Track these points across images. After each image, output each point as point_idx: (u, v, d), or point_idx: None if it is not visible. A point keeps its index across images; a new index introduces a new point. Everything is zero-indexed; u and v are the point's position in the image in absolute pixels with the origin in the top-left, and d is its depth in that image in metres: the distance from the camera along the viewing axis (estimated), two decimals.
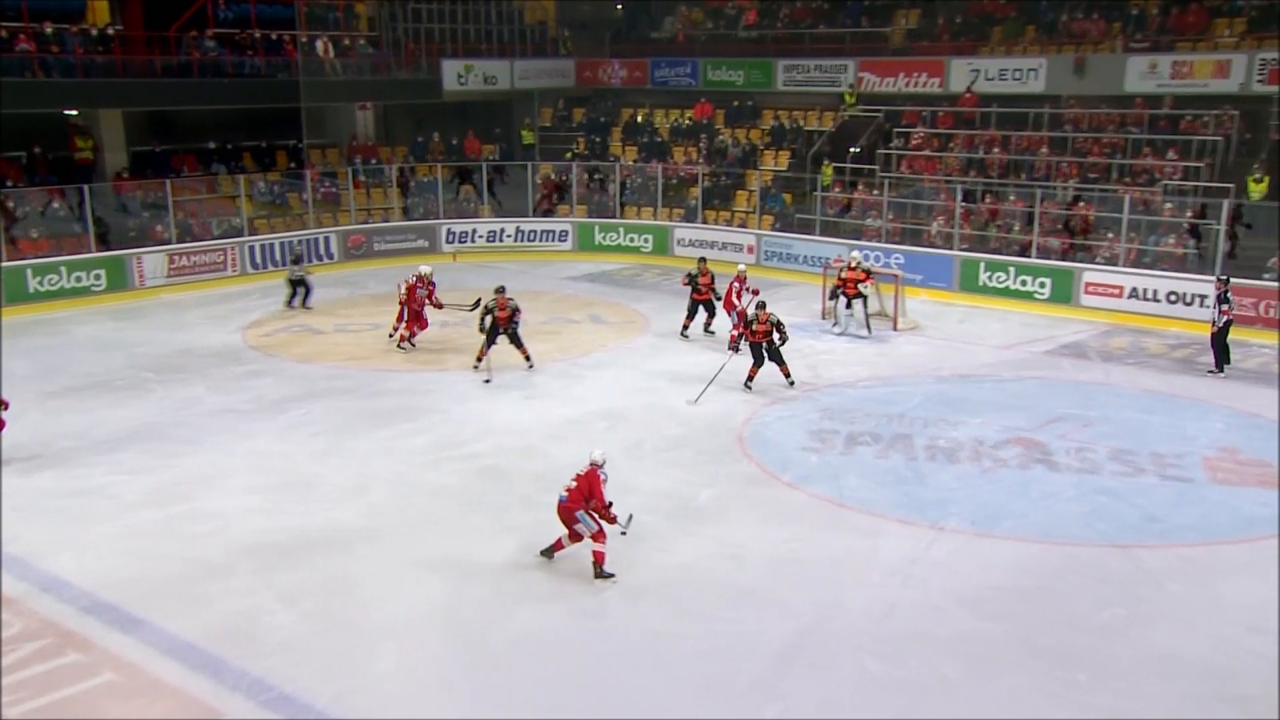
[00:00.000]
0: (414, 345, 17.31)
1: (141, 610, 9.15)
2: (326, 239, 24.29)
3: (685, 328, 18.05)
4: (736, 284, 17.40)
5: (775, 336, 14.87)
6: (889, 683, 8.14)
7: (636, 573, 9.86)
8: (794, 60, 27.14)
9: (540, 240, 25.89)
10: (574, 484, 9.78)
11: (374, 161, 26.97)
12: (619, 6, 32.58)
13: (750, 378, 15.07)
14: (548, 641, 8.73)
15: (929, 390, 15.16)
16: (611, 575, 9.71)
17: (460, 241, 25.67)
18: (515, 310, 15.64)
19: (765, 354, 14.99)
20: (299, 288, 20.09)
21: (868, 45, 26.38)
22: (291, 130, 25.78)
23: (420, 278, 17.42)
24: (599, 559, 9.74)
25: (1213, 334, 15.86)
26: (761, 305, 15.04)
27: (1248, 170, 19.95)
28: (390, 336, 17.56)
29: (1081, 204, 20.70)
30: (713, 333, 17.92)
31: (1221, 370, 15.76)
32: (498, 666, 8.40)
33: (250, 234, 23.32)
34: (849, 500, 11.42)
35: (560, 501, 9.82)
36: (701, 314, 18.00)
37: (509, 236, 25.84)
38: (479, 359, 15.72)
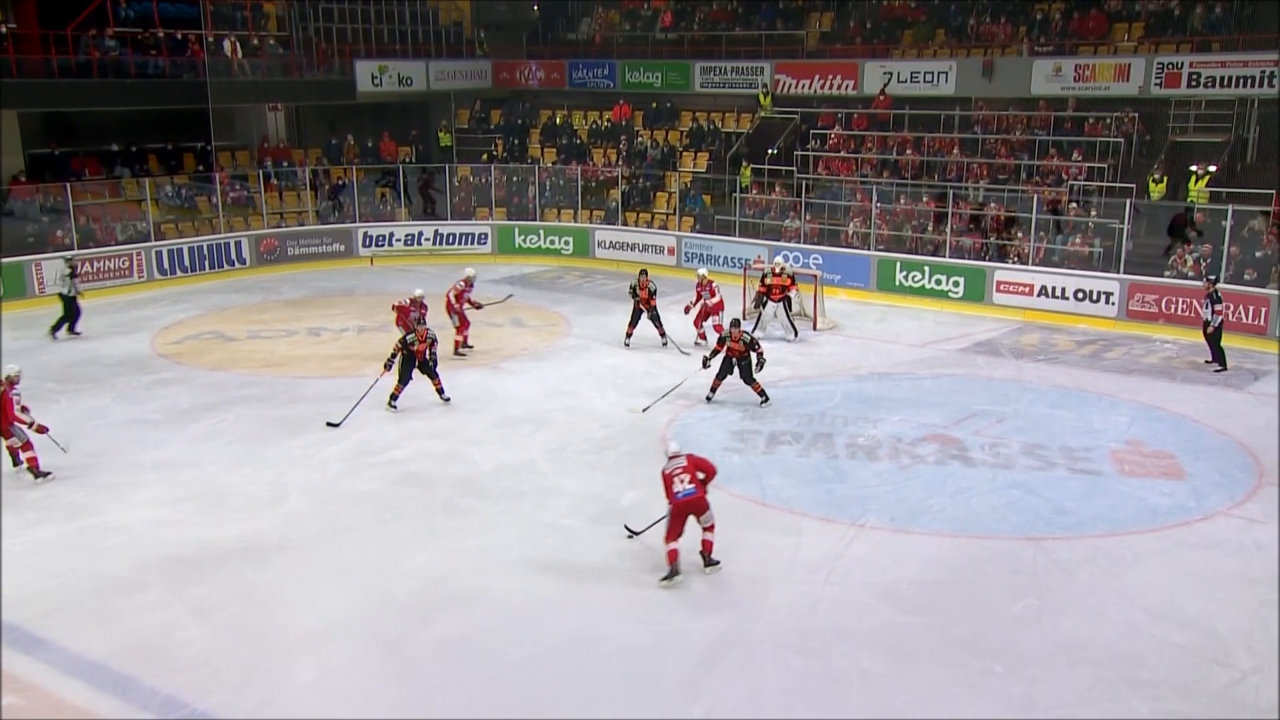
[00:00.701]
0: (471, 348, 17.25)
1: (45, 629, 8.86)
2: (238, 243, 23.79)
3: (629, 335, 17.64)
4: (700, 292, 17.44)
5: (753, 357, 14.20)
6: (811, 677, 8.28)
7: (561, 574, 9.87)
8: (711, 62, 27.40)
9: (459, 243, 25.70)
10: (684, 476, 9.57)
11: (286, 164, 26.49)
12: (535, 8, 32.53)
13: (713, 389, 14.65)
14: (470, 647, 8.69)
15: (849, 389, 15.43)
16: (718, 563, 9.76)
17: (377, 245, 25.35)
18: (433, 341, 14.64)
19: (736, 369, 14.39)
20: (68, 309, 17.84)
21: (783, 47, 26.76)
22: (199, 132, 25.17)
23: (467, 281, 17.46)
24: (710, 548, 9.79)
25: (1208, 334, 16.27)
26: (735, 323, 14.38)
27: (1149, 170, 20.72)
28: (458, 352, 17.03)
29: (992, 204, 21.27)
30: (665, 344, 17.42)
31: (1225, 368, 16.10)
32: (420, 673, 8.33)
33: (157, 239, 22.73)
34: (771, 500, 11.57)
35: (688, 495, 9.57)
36: (646, 324, 17.49)
37: (427, 240, 25.60)
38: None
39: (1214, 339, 16.27)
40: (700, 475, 9.79)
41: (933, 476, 12.20)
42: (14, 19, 22.68)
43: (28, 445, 12.17)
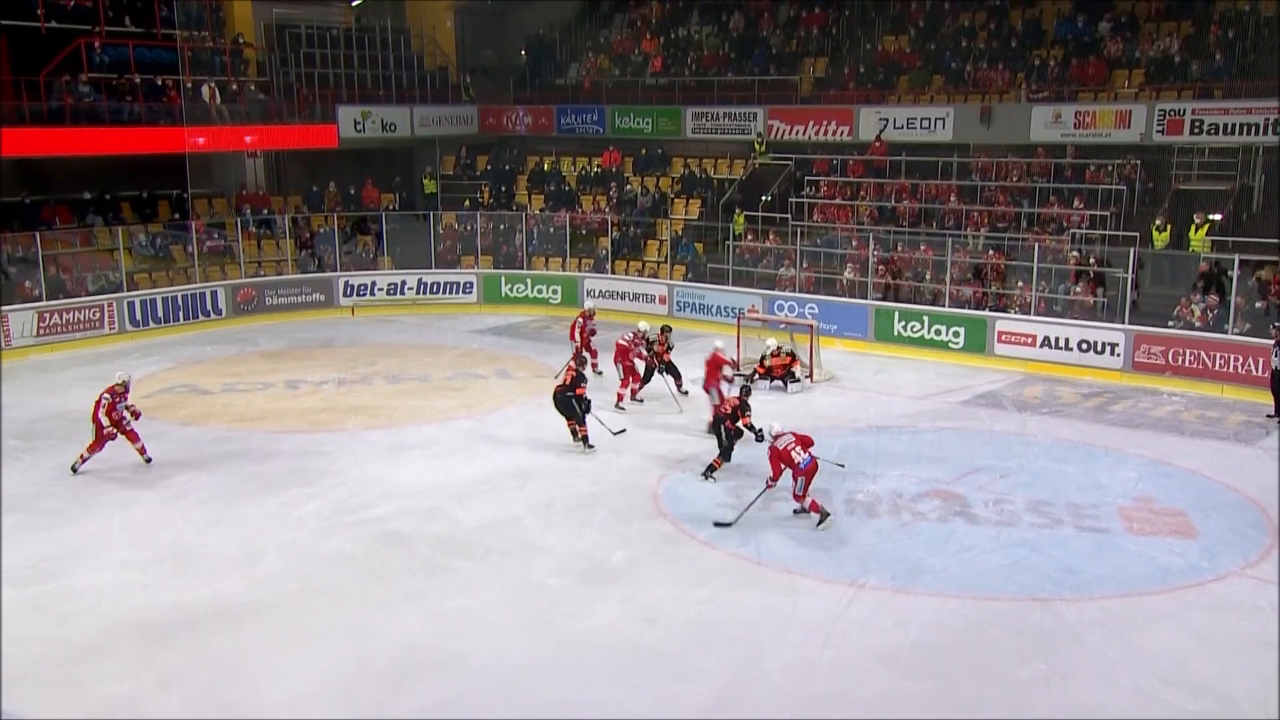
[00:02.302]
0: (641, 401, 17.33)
1: (4, 700, 8.72)
2: (214, 293, 23.83)
3: (636, 391, 17.50)
4: (716, 363, 16.23)
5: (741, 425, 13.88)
6: None
7: (547, 638, 9.78)
8: (703, 108, 27.74)
9: (443, 293, 25.78)
10: (798, 448, 12.07)
11: (265, 211, 26.62)
12: (523, 52, 32.96)
13: (712, 467, 13.99)
14: (450, 715, 8.57)
15: (846, 442, 15.40)
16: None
17: (359, 295, 25.42)
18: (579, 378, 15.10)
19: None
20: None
21: (776, 93, 27.12)
22: (175, 179, 25.31)
23: (639, 334, 17.47)
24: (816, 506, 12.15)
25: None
26: (746, 391, 14.35)
27: (1152, 218, 20.95)
28: (620, 405, 16.91)
29: (992, 252, 21.46)
30: (686, 392, 17.37)
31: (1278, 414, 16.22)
32: None
33: (130, 289, 22.76)
34: (767, 558, 11.51)
35: (810, 463, 12.06)
36: (661, 377, 17.49)
37: (410, 289, 25.68)
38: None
39: None
40: (810, 447, 12.27)
41: (934, 534, 12.17)
42: None
43: (93, 446, 13.90)
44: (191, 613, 10.24)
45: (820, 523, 12.10)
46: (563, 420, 14.98)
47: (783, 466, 12.21)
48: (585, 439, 14.92)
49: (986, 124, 23.80)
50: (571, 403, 14.85)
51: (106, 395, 14.07)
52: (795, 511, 12.41)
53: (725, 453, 14.09)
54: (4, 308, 20.81)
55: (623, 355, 17.32)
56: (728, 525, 12.15)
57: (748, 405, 14.09)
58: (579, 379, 14.95)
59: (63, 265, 22.60)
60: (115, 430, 14.09)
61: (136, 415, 14.32)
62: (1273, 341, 16.47)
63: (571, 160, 29.21)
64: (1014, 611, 10.33)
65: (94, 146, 23.17)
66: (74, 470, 14.03)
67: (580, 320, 18.75)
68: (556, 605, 10.40)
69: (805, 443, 12.25)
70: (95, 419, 14.04)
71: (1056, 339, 19.67)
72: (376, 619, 10.15)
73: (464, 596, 10.63)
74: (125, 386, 14.26)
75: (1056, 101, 23.30)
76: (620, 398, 17.20)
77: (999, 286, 20.85)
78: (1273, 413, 16.39)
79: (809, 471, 12.11)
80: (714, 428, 14.73)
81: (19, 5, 23.13)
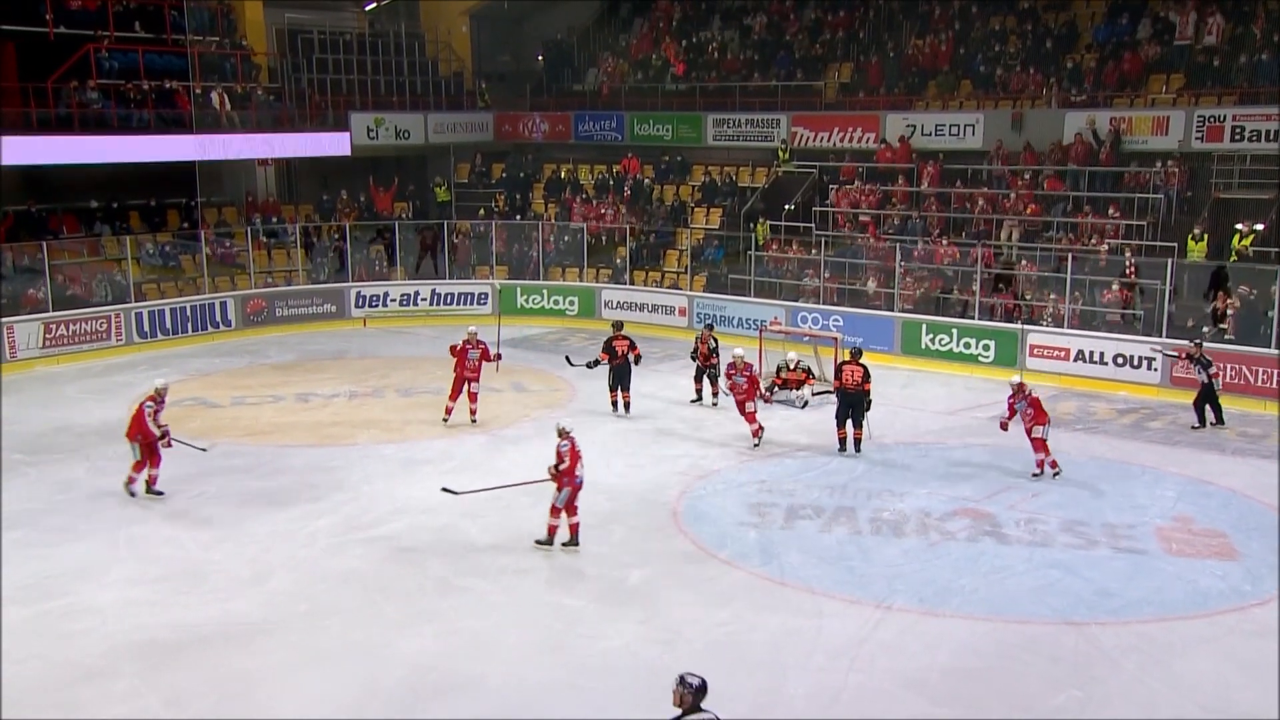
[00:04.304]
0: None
1: None
2: (224, 304, 23.99)
3: (698, 392, 18.25)
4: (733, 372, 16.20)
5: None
6: None
7: (563, 660, 9.77)
8: (724, 114, 27.78)
9: (458, 304, 25.88)
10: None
11: (275, 220, 26.80)
12: (539, 58, 33.12)
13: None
14: None
15: (872, 460, 15.38)
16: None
17: (371, 306, 25.54)
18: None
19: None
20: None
21: (800, 99, 27.13)
22: (184, 187, 25.52)
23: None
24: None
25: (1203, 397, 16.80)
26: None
27: (1189, 228, 20.80)
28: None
29: (1024, 262, 21.37)
30: (715, 404, 17.95)
31: (1222, 423, 16.78)
32: None
33: (137, 300, 22.93)
34: (790, 578, 11.47)
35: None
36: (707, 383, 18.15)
37: (424, 300, 25.79)
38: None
39: (1207, 399, 16.75)
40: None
41: (964, 554, 12.11)
42: None
43: (141, 465, 13.57)
44: (199, 632, 10.29)
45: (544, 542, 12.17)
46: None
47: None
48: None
49: (1018, 130, 23.74)
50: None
51: (149, 404, 13.63)
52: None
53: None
54: (9, 318, 21.00)
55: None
56: (454, 493, 12.67)
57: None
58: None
59: (69, 275, 22.81)
60: (169, 437, 13.65)
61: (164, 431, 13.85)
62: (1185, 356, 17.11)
63: (589, 168, 29.30)
64: (1047, 636, 10.25)
65: (102, 154, 23.34)
66: (133, 493, 13.61)
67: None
68: (573, 626, 10.39)
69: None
70: (144, 430, 13.52)
71: (1091, 353, 19.56)
72: (388, 639, 10.16)
73: (477, 617, 10.64)
74: (161, 395, 13.84)
75: (1090, 107, 23.21)
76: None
77: (1031, 297, 20.75)
78: (1197, 424, 16.75)
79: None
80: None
81: (28, 11, 23.41)
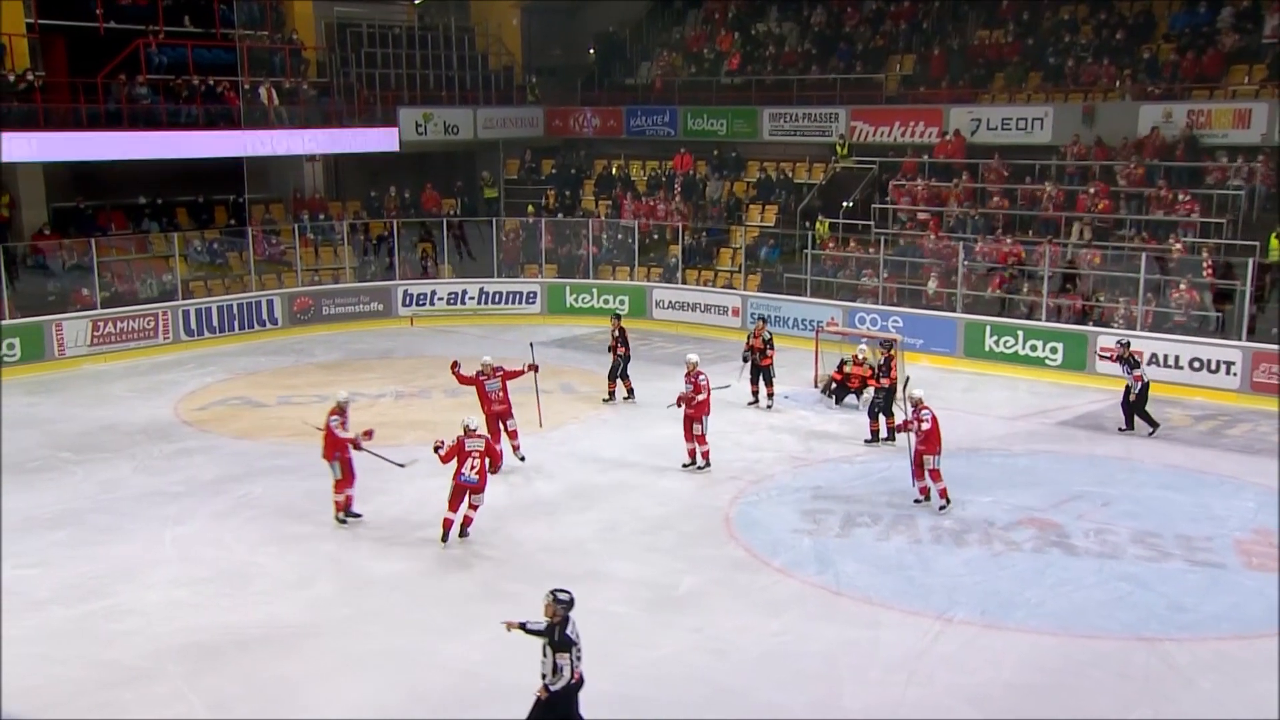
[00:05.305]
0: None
1: None
2: (270, 302, 24.31)
3: (754, 394, 18.19)
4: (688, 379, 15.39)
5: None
6: None
7: (612, 670, 9.74)
8: (781, 108, 27.65)
9: (506, 302, 26.02)
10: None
11: (323, 217, 27.12)
12: (591, 51, 33.19)
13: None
14: None
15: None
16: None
17: (418, 304, 25.76)
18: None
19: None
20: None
21: (860, 93, 26.93)
22: (232, 184, 25.92)
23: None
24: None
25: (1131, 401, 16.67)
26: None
27: (1273, 226, 20.32)
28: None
29: (1087, 252, 20.95)
30: (770, 405, 17.96)
31: (1133, 429, 16.64)
32: None
33: (184, 297, 23.31)
34: (846, 588, 11.38)
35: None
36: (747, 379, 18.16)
37: (471, 299, 25.96)
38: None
39: (1137, 405, 16.59)
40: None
41: (1029, 565, 11.94)
42: (44, 67, 23.64)
43: (342, 484, 13.13)
44: (242, 635, 10.41)
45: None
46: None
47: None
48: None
49: (1089, 124, 23.35)
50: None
51: (334, 417, 13.05)
52: None
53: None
54: (58, 316, 21.43)
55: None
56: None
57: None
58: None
59: (117, 272, 23.24)
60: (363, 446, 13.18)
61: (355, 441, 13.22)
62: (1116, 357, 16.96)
63: (641, 164, 29.30)
64: (1117, 652, 10.07)
65: (151, 150, 23.74)
66: (343, 520, 13.13)
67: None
68: (621, 634, 10.37)
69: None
70: (340, 445, 12.96)
71: (1166, 356, 19.19)
72: (433, 645, 10.22)
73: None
74: (344, 407, 13.28)
75: (1167, 99, 22.77)
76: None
77: (1104, 298, 20.39)
78: (1124, 426, 16.71)
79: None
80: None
81: (78, 6, 23.90)
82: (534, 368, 15.97)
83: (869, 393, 17.90)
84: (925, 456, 13.39)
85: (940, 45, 27.02)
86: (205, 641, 10.28)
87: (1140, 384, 16.60)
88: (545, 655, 7.86)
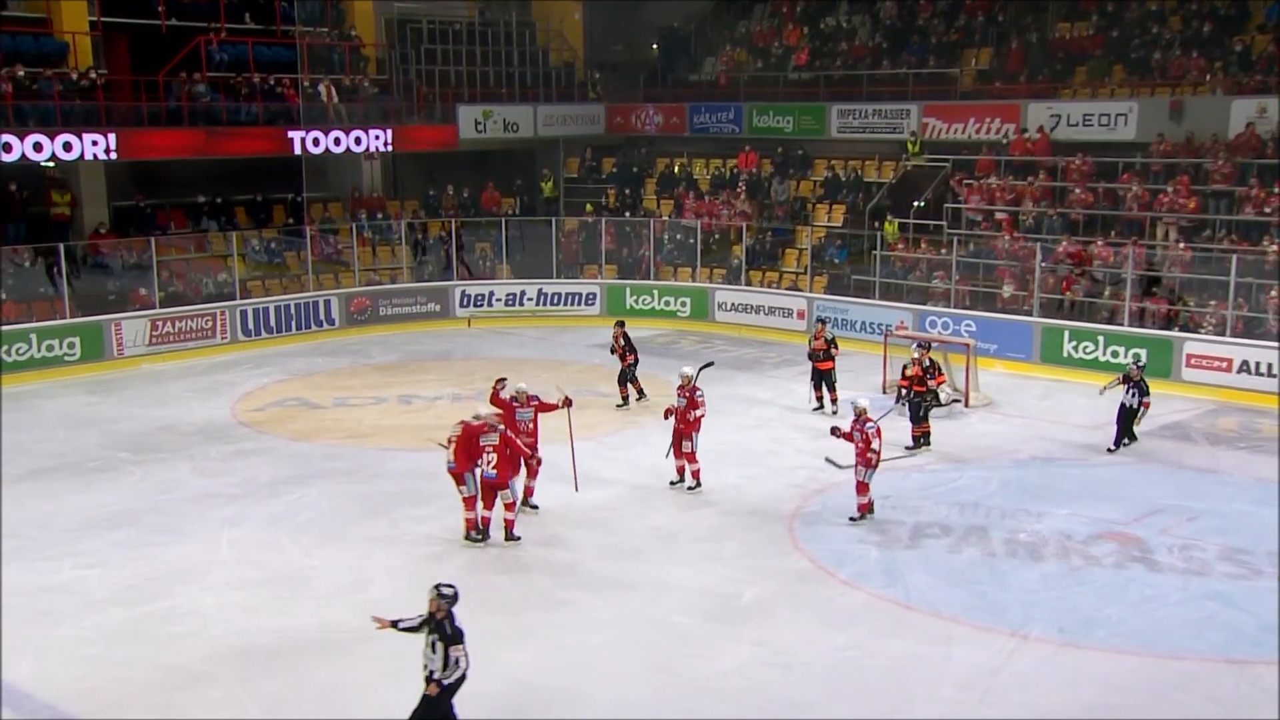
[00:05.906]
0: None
1: None
2: (327, 302, 24.64)
3: (818, 399, 18.11)
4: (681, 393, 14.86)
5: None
6: None
7: (672, 682, 9.73)
8: (850, 104, 27.46)
9: (564, 304, 26.12)
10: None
11: (381, 216, 27.44)
12: (654, 47, 33.22)
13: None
14: None
15: (1007, 476, 15.03)
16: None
17: (475, 305, 25.95)
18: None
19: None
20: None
21: (933, 88, 26.67)
22: (290, 182, 26.32)
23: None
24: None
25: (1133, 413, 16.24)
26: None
27: None
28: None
29: (1173, 245, 20.51)
30: (835, 411, 17.67)
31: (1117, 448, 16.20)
32: None
33: (242, 297, 23.70)
34: (916, 601, 11.28)
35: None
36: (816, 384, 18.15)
37: (529, 299, 26.11)
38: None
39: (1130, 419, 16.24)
40: None
41: (1110, 582, 11.75)
42: (106, 65, 24.19)
43: (471, 501, 12.71)
44: (298, 639, 10.55)
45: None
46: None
47: None
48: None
49: (1177, 120, 22.88)
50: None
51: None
52: None
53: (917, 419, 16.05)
54: (117, 315, 21.90)
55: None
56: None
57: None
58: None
59: (176, 271, 23.70)
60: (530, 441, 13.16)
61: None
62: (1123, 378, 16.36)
63: (705, 162, 29.28)
64: (1204, 674, 9.86)
65: (211, 149, 24.20)
66: (477, 539, 12.77)
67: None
68: (681, 646, 10.35)
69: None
70: (516, 448, 12.86)
71: (1256, 364, 18.76)
72: (489, 653, 10.23)
73: (582, 633, 10.68)
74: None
75: (1261, 94, 22.23)
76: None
77: (1193, 302, 19.96)
78: (1113, 446, 16.18)
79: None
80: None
81: (140, 3, 24.44)
82: (568, 402, 14.16)
83: (944, 392, 17.73)
84: (859, 467, 13.24)
85: (1018, 38, 26.66)
86: (261, 645, 10.43)
87: (1145, 409, 16.14)
88: (434, 651, 8.21)
